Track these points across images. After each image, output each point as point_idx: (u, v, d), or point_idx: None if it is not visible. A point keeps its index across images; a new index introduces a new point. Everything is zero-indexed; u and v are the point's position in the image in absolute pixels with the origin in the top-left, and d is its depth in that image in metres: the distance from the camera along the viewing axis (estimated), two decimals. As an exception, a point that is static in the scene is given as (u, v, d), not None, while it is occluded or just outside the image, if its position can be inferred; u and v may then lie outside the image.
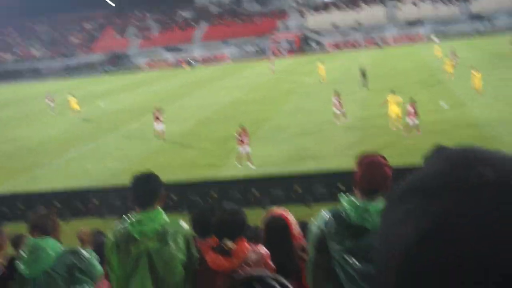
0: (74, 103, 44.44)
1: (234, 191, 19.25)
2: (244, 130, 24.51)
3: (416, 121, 26.27)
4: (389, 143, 25.07)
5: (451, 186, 0.86)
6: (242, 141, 23.99)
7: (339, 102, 30.85)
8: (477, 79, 33.55)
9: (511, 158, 0.90)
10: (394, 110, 27.68)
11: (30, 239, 5.35)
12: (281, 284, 1.47)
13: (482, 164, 0.88)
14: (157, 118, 31.38)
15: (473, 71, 34.20)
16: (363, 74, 42.76)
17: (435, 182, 0.89)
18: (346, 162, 22.50)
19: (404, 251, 0.86)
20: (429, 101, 33.13)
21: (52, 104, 49.03)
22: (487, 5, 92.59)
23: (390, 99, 28.05)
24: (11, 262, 5.82)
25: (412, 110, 26.24)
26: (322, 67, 49.82)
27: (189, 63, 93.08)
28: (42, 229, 5.34)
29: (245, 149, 23.99)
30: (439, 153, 0.96)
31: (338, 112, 30.67)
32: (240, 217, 4.82)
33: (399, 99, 27.86)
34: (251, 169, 23.27)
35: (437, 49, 56.09)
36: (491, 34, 79.79)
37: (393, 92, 28.61)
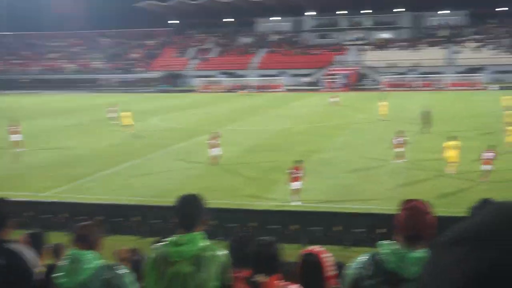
0: (126, 118, 45.19)
1: (274, 222, 19.09)
2: (300, 165, 23.53)
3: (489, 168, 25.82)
4: (437, 187, 24.61)
5: (502, 236, 0.91)
6: (297, 177, 22.93)
7: (402, 141, 30.61)
8: None
9: None
10: (452, 154, 27.36)
11: (71, 250, 5.39)
12: None
13: None
14: (214, 143, 30.66)
15: None
16: (426, 118, 41.17)
17: (486, 231, 0.94)
18: (389, 204, 22.19)
19: None
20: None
21: (114, 115, 50.83)
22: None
23: (450, 144, 27.75)
24: (50, 270, 5.87)
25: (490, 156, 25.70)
26: (384, 105, 49.20)
27: (243, 89, 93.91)
28: (85, 241, 5.39)
29: (298, 185, 22.90)
30: (488, 205, 1.00)
31: (398, 150, 30.44)
32: (273, 250, 4.78)
33: (459, 144, 27.62)
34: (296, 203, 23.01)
35: (507, 99, 54.01)
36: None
37: (454, 137, 28.30)
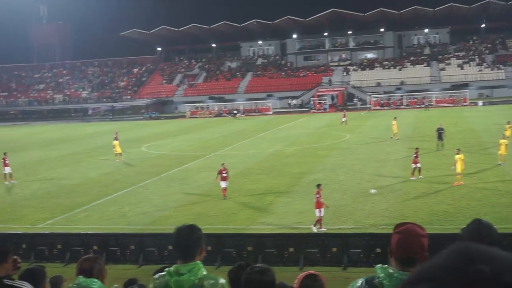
0: (118, 147, 45.08)
1: (270, 246, 19.16)
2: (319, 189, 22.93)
3: None
4: (428, 204, 24.81)
5: (454, 279, 1.07)
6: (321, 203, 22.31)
7: (416, 156, 31.21)
8: None
9: (508, 257, 1.12)
10: (460, 166, 28.42)
11: (78, 278, 5.51)
12: None
13: (482, 261, 1.09)
14: (223, 175, 28.89)
15: None
16: (440, 134, 41.36)
17: (442, 273, 1.09)
18: (383, 223, 22.33)
19: None
20: (472, 164, 32.88)
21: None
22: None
23: (459, 157, 28.64)
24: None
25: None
26: (395, 124, 49.18)
27: (232, 113, 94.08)
28: (89, 273, 5.51)
29: (321, 211, 22.31)
30: (457, 246, 1.19)
31: (414, 166, 31.09)
32: (268, 277, 4.73)
33: (462, 156, 28.74)
34: (298, 227, 23.01)
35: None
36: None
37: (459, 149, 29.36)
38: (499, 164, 33.01)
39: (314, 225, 22.11)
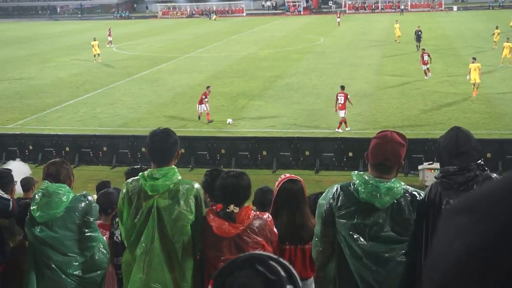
0: (95, 47, 43.10)
1: (243, 149, 19.26)
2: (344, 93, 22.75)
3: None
4: (400, 110, 25.03)
5: (501, 209, 0.90)
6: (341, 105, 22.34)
7: (428, 57, 31.56)
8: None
9: None
10: (474, 76, 27.16)
11: (44, 183, 5.44)
12: (284, 267, 1.39)
13: None
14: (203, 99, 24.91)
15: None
16: (418, 36, 42.17)
17: (487, 203, 0.93)
18: (357, 128, 22.56)
19: (449, 269, 0.92)
20: (443, 70, 33.10)
21: (110, 38, 52.14)
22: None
23: (471, 66, 27.41)
24: (22, 204, 6.01)
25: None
26: (397, 27, 48.28)
27: (205, 14, 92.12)
28: (56, 177, 5.44)
29: (341, 113, 22.34)
30: (504, 176, 0.98)
31: (424, 67, 31.71)
32: (243, 181, 4.73)
33: (479, 65, 27.30)
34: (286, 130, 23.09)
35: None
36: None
37: (474, 58, 27.88)
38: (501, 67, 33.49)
39: (338, 128, 22.23)
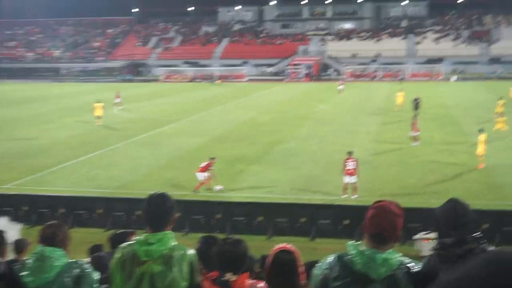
0: (98, 109, 43.66)
1: (239, 214, 19.12)
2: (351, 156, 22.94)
3: None
4: (399, 177, 24.99)
5: None
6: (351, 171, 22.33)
7: (415, 123, 32.38)
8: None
9: None
10: (482, 148, 26.88)
11: (37, 247, 5.31)
12: None
13: None
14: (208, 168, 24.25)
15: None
16: (417, 104, 43.01)
17: (472, 286, 0.96)
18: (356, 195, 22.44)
19: None
20: (442, 139, 33.23)
21: (118, 100, 53.87)
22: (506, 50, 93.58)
23: (480, 138, 27.08)
24: (13, 266, 5.83)
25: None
26: (401, 95, 48.88)
27: (207, 79, 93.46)
28: (51, 240, 5.31)
29: (352, 179, 22.38)
30: (485, 256, 1.00)
31: (414, 134, 32.34)
32: (241, 249, 4.71)
33: (485, 137, 27.15)
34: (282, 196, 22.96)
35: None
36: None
37: (482, 131, 27.53)
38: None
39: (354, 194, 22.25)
